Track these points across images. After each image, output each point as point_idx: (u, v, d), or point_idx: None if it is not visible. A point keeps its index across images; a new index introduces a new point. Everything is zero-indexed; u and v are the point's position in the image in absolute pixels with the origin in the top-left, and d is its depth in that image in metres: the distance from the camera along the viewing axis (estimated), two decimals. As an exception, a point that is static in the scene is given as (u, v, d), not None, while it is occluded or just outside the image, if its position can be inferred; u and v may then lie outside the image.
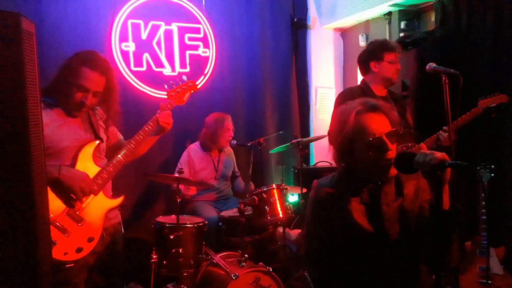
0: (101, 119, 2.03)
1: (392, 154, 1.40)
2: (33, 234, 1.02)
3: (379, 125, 1.41)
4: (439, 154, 1.23)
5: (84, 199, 1.82)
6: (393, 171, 1.41)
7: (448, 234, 1.34)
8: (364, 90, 2.58)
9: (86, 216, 1.84)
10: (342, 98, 2.57)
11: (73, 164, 1.84)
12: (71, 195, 1.77)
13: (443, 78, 2.15)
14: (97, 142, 1.94)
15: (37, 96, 1.08)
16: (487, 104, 2.54)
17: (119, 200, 1.99)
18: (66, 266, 1.76)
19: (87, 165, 1.88)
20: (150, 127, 2.02)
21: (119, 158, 1.94)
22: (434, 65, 2.23)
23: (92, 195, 1.87)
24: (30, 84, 1.04)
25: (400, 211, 1.48)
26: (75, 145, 1.86)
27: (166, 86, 2.22)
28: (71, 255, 1.77)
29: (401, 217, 1.48)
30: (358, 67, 3.61)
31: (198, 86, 3.75)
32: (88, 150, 1.90)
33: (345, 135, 1.43)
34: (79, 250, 1.79)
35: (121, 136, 2.18)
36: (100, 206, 1.90)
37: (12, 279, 0.99)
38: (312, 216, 1.54)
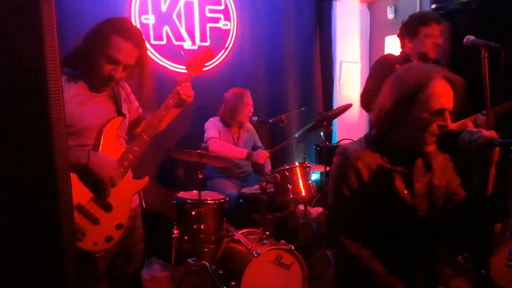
0: (125, 93, 1.90)
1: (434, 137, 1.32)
2: (56, 227, 0.94)
3: (449, 99, 1.34)
4: (487, 132, 1.15)
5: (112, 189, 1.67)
6: (431, 147, 1.35)
7: (483, 223, 1.28)
8: (408, 59, 2.54)
9: (114, 201, 1.69)
10: (383, 62, 2.60)
11: (96, 145, 1.68)
12: (100, 184, 1.62)
13: (482, 52, 2.01)
14: (121, 119, 1.79)
15: (57, 66, 0.98)
16: None
17: (144, 181, 1.84)
18: (96, 256, 1.64)
19: (112, 145, 1.72)
20: (172, 101, 1.88)
21: (144, 136, 1.79)
22: (472, 37, 2.08)
23: None
24: (50, 52, 0.94)
25: (429, 187, 1.44)
26: (98, 123, 1.70)
27: (182, 53, 2.10)
28: (101, 244, 1.64)
29: (429, 193, 1.44)
30: (385, 41, 3.46)
31: (219, 61, 3.75)
32: (113, 129, 1.73)
33: (406, 98, 1.32)
34: (108, 238, 1.66)
35: (140, 111, 2.06)
36: (126, 189, 1.76)
37: (35, 276, 0.92)
38: (342, 178, 1.43)
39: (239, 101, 3.31)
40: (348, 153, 1.44)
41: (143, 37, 1.73)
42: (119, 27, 1.63)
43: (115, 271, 1.81)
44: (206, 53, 2.03)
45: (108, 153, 1.69)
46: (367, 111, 2.58)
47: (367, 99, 2.58)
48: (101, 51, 1.62)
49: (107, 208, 1.66)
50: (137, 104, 2.02)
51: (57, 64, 0.98)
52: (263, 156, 3.23)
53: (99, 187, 1.62)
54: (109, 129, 1.72)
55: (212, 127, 3.33)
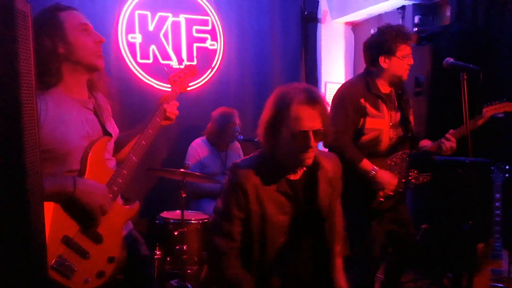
0: (106, 109, 1.73)
1: (312, 151, 1.48)
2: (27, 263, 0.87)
3: (311, 120, 1.46)
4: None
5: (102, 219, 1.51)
6: (308, 162, 1.51)
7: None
8: (369, 86, 2.32)
9: (104, 231, 1.51)
10: (347, 98, 2.32)
11: (82, 170, 1.51)
12: (89, 214, 1.46)
13: (462, 74, 2.06)
14: (108, 139, 1.63)
15: (32, 88, 0.94)
16: (493, 112, 2.32)
17: (135, 207, 1.67)
18: None
19: (99, 169, 1.55)
20: (159, 119, 1.73)
21: (132, 158, 1.62)
22: (452, 60, 2.13)
23: None
24: (25, 76, 0.90)
25: (310, 206, 1.58)
26: (83, 145, 1.53)
27: (166, 69, 2.01)
28: (92, 281, 1.47)
29: (311, 213, 1.59)
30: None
31: (205, 80, 3.77)
32: (99, 151, 1.56)
33: (277, 117, 1.49)
34: (100, 274, 1.49)
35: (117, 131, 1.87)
36: (116, 217, 1.58)
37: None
38: (228, 196, 1.57)
39: (226, 121, 3.31)
40: (238, 173, 1.56)
41: None
42: (60, 6, 1.58)
43: None
44: (190, 70, 1.95)
45: (96, 178, 1.53)
46: (333, 150, 2.18)
47: (339, 140, 2.24)
48: (63, 32, 1.53)
49: (97, 239, 1.49)
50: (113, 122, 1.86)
51: (32, 87, 0.94)
52: None
53: (87, 217, 1.46)
54: (96, 151, 1.55)
55: (192, 159, 3.27)
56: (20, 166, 0.89)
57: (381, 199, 2.30)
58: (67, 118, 1.52)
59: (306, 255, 1.61)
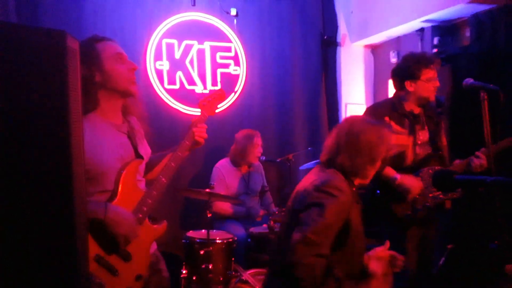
0: (139, 132, 1.81)
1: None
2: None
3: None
4: None
5: (123, 248, 1.57)
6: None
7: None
8: (396, 107, 2.47)
9: (133, 250, 1.58)
10: (371, 113, 2.47)
11: (115, 191, 1.60)
12: (114, 240, 1.53)
13: (482, 95, 2.08)
14: (140, 161, 1.70)
15: (79, 114, 1.04)
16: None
17: (163, 226, 1.73)
18: None
19: (131, 190, 1.63)
20: (188, 142, 1.78)
21: (162, 179, 1.69)
22: (471, 80, 2.16)
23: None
24: (73, 103, 1.00)
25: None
26: (117, 166, 1.61)
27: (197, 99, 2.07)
28: None
29: None
30: (389, 83, 3.50)
31: (229, 103, 3.90)
32: (131, 172, 1.64)
33: (364, 151, 1.67)
34: None
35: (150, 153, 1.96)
36: (146, 236, 1.65)
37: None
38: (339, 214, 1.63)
39: (249, 142, 3.41)
40: (344, 192, 1.61)
41: None
42: (89, 37, 1.68)
43: None
44: (218, 94, 2.00)
45: (127, 199, 1.61)
46: None
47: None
48: (98, 62, 1.63)
49: (126, 257, 1.56)
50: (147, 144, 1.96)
51: (79, 114, 1.04)
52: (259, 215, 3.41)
53: (111, 244, 1.54)
54: (129, 173, 1.63)
55: (217, 179, 3.38)
56: (68, 191, 0.98)
57: (418, 207, 2.33)
58: (102, 141, 1.60)
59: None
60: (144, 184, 1.76)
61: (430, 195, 2.38)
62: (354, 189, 1.70)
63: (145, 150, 1.83)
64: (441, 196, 2.39)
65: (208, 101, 1.93)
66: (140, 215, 1.62)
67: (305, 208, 1.58)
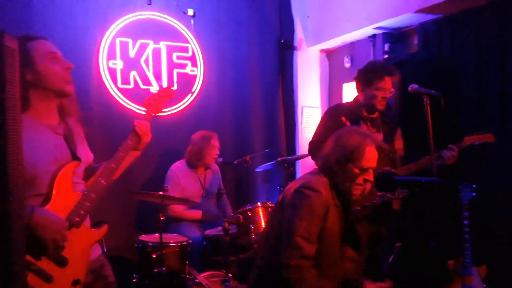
0: (78, 134, 1.74)
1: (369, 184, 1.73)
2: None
3: (375, 160, 1.72)
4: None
5: (54, 253, 1.49)
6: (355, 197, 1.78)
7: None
8: (353, 109, 2.61)
9: (69, 254, 1.52)
10: (330, 114, 2.66)
11: (49, 194, 1.54)
12: (43, 245, 1.45)
13: (425, 100, 2.21)
14: (76, 164, 1.64)
15: (17, 112, 1.00)
16: (472, 141, 2.55)
17: (103, 230, 1.68)
18: None
19: (66, 193, 1.58)
20: (130, 142, 1.74)
21: (101, 181, 1.63)
22: (416, 86, 2.29)
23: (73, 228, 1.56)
24: (11, 107, 0.96)
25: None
26: (51, 169, 1.56)
27: (141, 92, 1.90)
28: None
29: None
30: (343, 87, 3.62)
31: (185, 104, 3.85)
32: (67, 175, 1.58)
33: (347, 153, 1.70)
34: None
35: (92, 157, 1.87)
36: (83, 240, 1.60)
37: None
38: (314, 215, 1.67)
39: (206, 143, 3.38)
40: (319, 193, 1.67)
41: None
42: (28, 35, 1.62)
43: None
44: (166, 92, 1.92)
45: (62, 203, 1.55)
46: (312, 158, 2.66)
47: (313, 149, 2.66)
48: (31, 62, 1.55)
49: (61, 263, 1.50)
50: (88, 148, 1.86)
51: (17, 116, 1.00)
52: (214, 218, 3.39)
53: (39, 249, 1.47)
54: (64, 176, 1.58)
55: (172, 182, 3.31)
56: (4, 189, 0.93)
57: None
58: (36, 143, 1.54)
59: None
60: (82, 186, 1.70)
61: (379, 193, 2.48)
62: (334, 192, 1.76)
63: (85, 153, 1.76)
64: (388, 195, 2.50)
65: (154, 99, 1.87)
66: (77, 219, 1.56)
67: (286, 209, 1.69)
